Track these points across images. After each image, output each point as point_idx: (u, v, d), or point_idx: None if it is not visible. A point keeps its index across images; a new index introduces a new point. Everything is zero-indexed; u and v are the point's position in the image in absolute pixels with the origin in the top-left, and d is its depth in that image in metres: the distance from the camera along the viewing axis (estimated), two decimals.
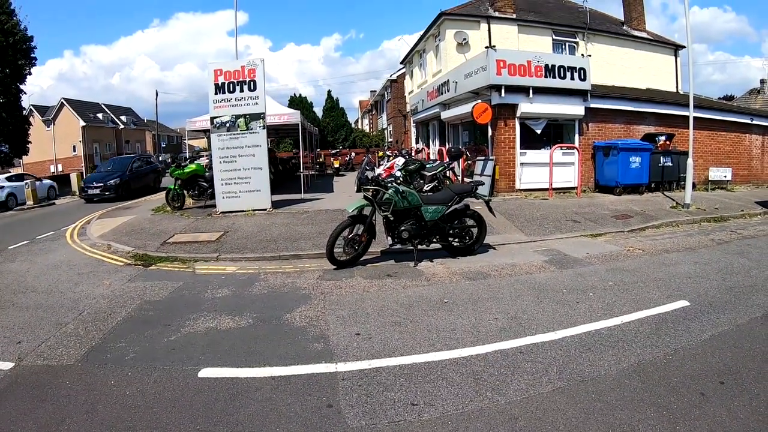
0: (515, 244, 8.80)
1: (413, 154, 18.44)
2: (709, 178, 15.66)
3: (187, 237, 10.05)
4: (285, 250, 8.69)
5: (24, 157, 28.40)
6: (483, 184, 8.20)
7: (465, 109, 14.59)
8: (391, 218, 7.47)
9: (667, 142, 14.76)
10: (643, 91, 17.87)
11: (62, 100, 50.04)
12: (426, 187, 13.37)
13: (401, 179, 13.80)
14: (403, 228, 7.44)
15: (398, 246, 7.76)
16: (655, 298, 5.73)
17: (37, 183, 21.07)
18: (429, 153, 21.31)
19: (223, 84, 11.96)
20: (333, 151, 28.96)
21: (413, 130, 25.36)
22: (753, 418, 3.29)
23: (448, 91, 16.51)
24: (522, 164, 13.78)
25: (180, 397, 3.82)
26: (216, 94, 12.01)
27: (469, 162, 15.95)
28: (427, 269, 7.27)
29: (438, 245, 7.91)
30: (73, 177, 24.05)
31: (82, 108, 50.88)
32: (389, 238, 7.59)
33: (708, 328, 4.86)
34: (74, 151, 48.81)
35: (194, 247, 9.22)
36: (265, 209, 12.20)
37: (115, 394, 3.89)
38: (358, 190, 7.39)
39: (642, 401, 3.54)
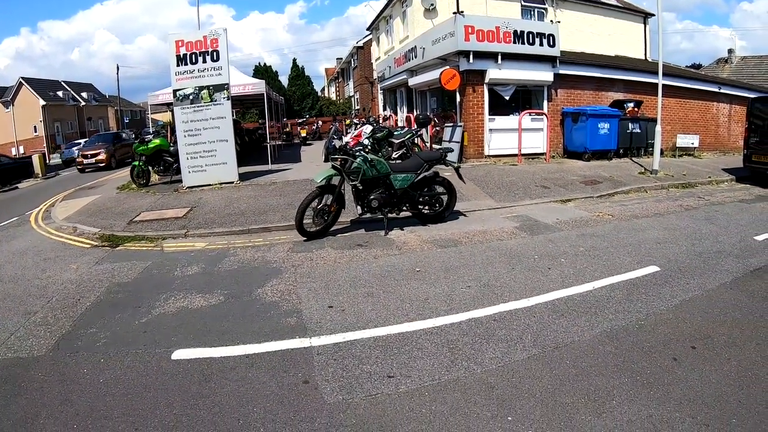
0: (486, 210, 8.87)
1: (381, 121, 18.23)
2: (677, 145, 15.93)
3: (154, 214, 9.81)
4: (254, 224, 8.57)
5: None
6: (452, 150, 8.24)
7: (433, 75, 14.44)
8: (360, 187, 7.41)
9: (636, 109, 14.94)
10: (611, 58, 17.98)
11: (20, 80, 47.56)
12: (394, 155, 13.31)
13: (369, 147, 13.77)
14: (372, 197, 7.40)
15: (368, 215, 7.72)
16: (626, 264, 5.86)
17: None
18: (397, 120, 21.21)
19: (185, 55, 11.52)
20: (300, 120, 28.40)
21: (380, 97, 25.09)
22: (724, 382, 3.40)
23: (416, 57, 16.27)
24: (491, 130, 13.80)
25: (154, 381, 3.75)
26: (178, 66, 11.58)
27: (438, 129, 15.92)
28: (398, 238, 7.28)
29: (408, 213, 7.92)
30: (35, 158, 22.89)
31: (42, 86, 48.51)
32: (359, 207, 7.54)
33: (678, 293, 4.99)
34: (35, 131, 46.79)
35: (162, 224, 9.02)
36: (232, 182, 11.97)
37: (89, 382, 3.79)
38: (326, 160, 7.30)
39: (616, 367, 3.63)
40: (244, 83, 14.25)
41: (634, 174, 11.94)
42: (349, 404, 3.31)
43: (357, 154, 7.35)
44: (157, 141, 13.14)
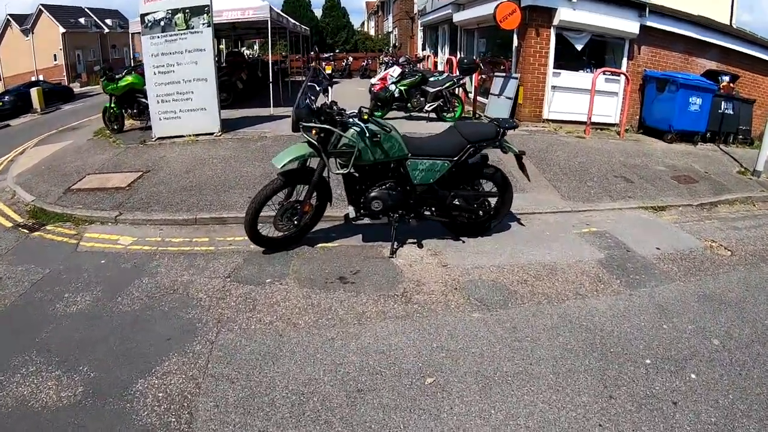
0: (551, 215, 6.01)
1: (414, 63, 15.08)
2: None
3: (98, 180, 7.42)
4: (207, 208, 6.08)
5: (3, 70, 26.95)
6: (515, 125, 5.13)
7: (485, 10, 11.26)
8: (356, 175, 4.68)
9: (731, 85, 11.50)
10: (703, 18, 14.13)
11: (40, 6, 44.78)
12: (428, 107, 10.57)
13: (396, 95, 10.88)
14: (373, 194, 4.62)
15: (365, 221, 4.89)
16: None
17: None
18: (436, 62, 18.02)
19: None
20: (325, 55, 25.16)
21: (419, 34, 21.71)
22: None
23: None
24: (554, 87, 10.62)
25: None
26: None
27: (485, 77, 12.82)
28: (409, 267, 4.53)
29: (435, 217, 5.08)
30: (34, 93, 20.48)
31: (62, 13, 45.62)
32: (351, 208, 4.76)
33: None
34: (55, 60, 44.42)
35: (99, 197, 6.67)
36: (213, 133, 9.32)
37: None
38: (296, 129, 4.45)
39: None
40: (242, 7, 11.24)
41: (732, 173, 8.56)
42: None
43: (350, 121, 4.47)
44: (129, 78, 10.43)
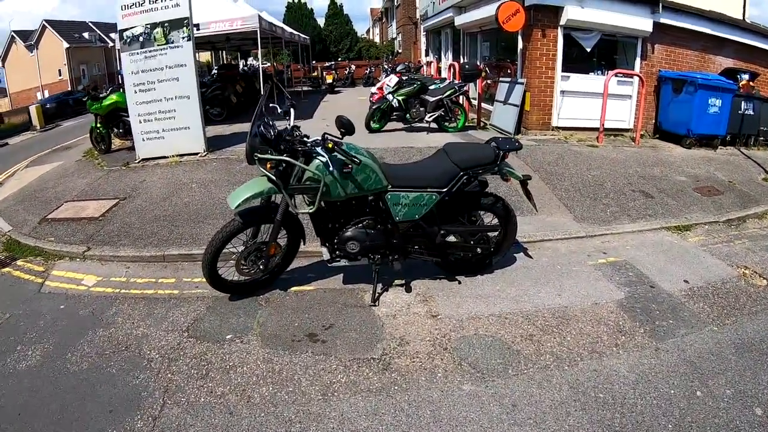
0: (562, 242, 5.31)
1: (412, 70, 14.44)
2: None
3: (74, 209, 6.96)
4: (178, 242, 5.54)
5: (9, 86, 27.79)
6: (517, 146, 4.37)
7: (487, 11, 10.57)
8: (329, 213, 4.02)
9: (750, 83, 10.70)
10: (718, 14, 13.36)
11: (43, 23, 44.97)
12: (428, 118, 9.99)
13: (395, 105, 10.25)
14: (348, 234, 3.97)
15: (343, 262, 4.18)
16: None
17: None
18: (439, 68, 17.35)
19: None
20: (327, 64, 24.64)
21: (423, 40, 21.07)
22: None
23: None
24: (563, 92, 9.90)
25: None
26: None
27: (489, 82, 12.13)
28: (391, 321, 3.83)
29: (425, 255, 4.34)
30: (33, 110, 20.16)
31: (66, 28, 45.83)
32: (325, 249, 4.10)
33: None
34: (60, 75, 44.58)
35: (71, 228, 6.24)
36: (197, 153, 8.76)
37: None
38: (251, 161, 3.80)
39: None
40: (231, 17, 10.72)
41: (757, 180, 7.78)
42: None
43: (315, 150, 3.79)
44: (113, 97, 9.92)
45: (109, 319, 4.11)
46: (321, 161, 3.73)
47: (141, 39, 8.32)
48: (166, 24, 8.19)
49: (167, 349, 3.60)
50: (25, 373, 3.46)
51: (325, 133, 3.74)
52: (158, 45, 8.28)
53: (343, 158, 3.68)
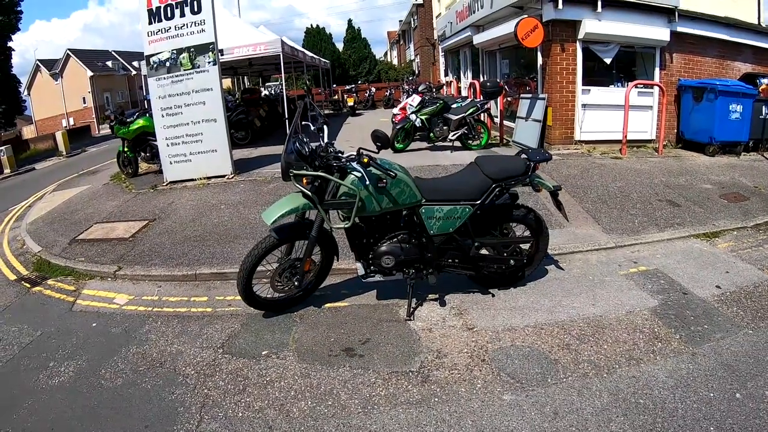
0: (591, 252, 5.26)
1: (434, 89, 14.52)
2: None
3: (104, 230, 7.12)
4: (209, 261, 5.58)
5: (35, 113, 29.03)
6: (547, 157, 4.43)
7: (505, 29, 10.63)
8: (362, 227, 4.06)
9: None
10: (734, 19, 13.32)
11: (68, 52, 46.86)
12: (451, 136, 10.03)
13: (418, 125, 10.32)
14: (383, 248, 3.99)
15: (377, 278, 4.19)
16: None
17: None
18: (459, 88, 17.43)
19: (158, 8, 8.46)
20: (347, 87, 24.98)
21: (441, 60, 21.23)
22: None
23: (482, 7, 12.40)
24: (584, 106, 9.88)
25: None
26: (151, 23, 8.57)
27: (510, 99, 12.14)
28: (427, 334, 3.81)
29: (459, 270, 4.32)
30: (59, 135, 20.79)
31: (90, 57, 47.71)
32: (360, 264, 4.11)
33: None
34: (84, 103, 46.29)
35: (102, 249, 6.35)
36: (225, 176, 8.90)
37: None
38: (286, 177, 3.85)
39: None
40: (254, 42, 10.99)
41: None
42: None
43: (349, 166, 3.82)
44: (140, 122, 10.19)
45: (142, 337, 4.16)
46: (356, 176, 3.76)
47: (167, 64, 8.56)
48: (192, 49, 8.42)
49: (203, 365, 3.62)
50: (59, 388, 3.51)
51: (360, 148, 3.80)
52: (184, 69, 8.51)
53: (379, 172, 3.72)
